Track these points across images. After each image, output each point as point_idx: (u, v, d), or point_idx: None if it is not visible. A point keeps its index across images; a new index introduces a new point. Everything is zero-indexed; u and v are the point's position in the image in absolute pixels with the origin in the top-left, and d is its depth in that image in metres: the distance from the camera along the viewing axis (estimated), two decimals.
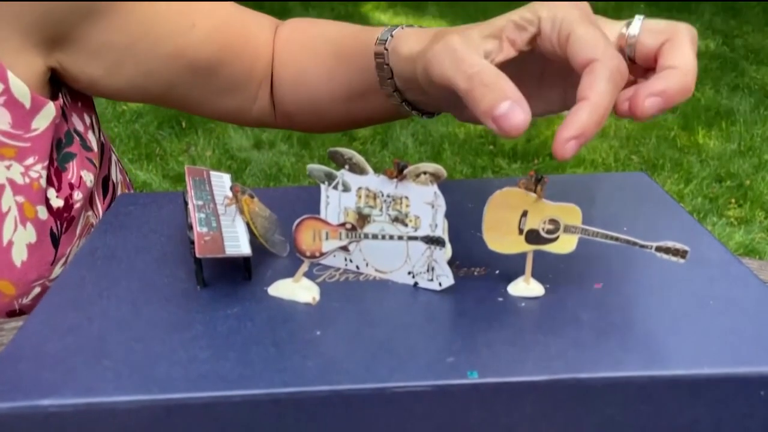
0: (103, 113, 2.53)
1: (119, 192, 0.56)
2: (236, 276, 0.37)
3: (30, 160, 0.46)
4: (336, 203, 0.38)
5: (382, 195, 0.36)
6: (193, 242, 0.36)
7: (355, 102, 0.50)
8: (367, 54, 0.46)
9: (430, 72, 0.36)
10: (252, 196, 0.38)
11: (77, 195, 0.49)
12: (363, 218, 0.37)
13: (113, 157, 0.57)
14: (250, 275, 0.37)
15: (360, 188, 0.37)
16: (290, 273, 0.36)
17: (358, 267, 0.38)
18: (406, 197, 0.35)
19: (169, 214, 0.45)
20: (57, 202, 0.48)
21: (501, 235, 0.35)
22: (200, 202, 0.39)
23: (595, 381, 0.30)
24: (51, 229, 0.48)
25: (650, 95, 0.33)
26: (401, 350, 0.31)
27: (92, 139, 0.51)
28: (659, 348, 0.31)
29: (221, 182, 0.43)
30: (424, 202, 0.35)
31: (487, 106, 0.32)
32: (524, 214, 0.34)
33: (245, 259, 0.37)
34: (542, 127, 2.46)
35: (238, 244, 0.37)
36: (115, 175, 0.56)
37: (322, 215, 0.38)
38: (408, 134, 2.38)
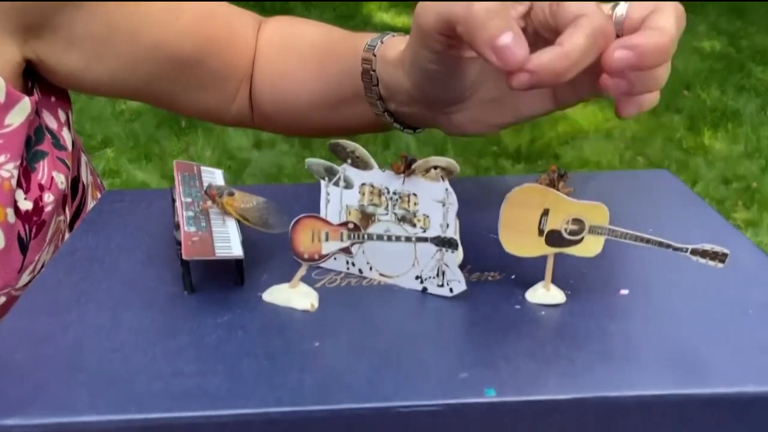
0: (101, 112, 2.50)
1: (89, 195, 0.53)
2: (227, 280, 0.34)
3: (1, 159, 0.43)
4: (337, 201, 0.35)
5: (388, 192, 0.33)
6: (179, 243, 0.33)
7: (336, 108, 0.48)
8: (354, 59, 0.43)
9: (422, 23, 0.33)
10: (231, 194, 0.35)
11: (48, 197, 0.45)
12: (367, 217, 0.34)
13: (83, 158, 0.54)
14: (242, 280, 0.34)
15: (363, 184, 0.34)
16: (286, 277, 0.33)
17: (360, 271, 0.35)
18: (414, 194, 0.32)
19: (157, 211, 0.42)
20: (25, 205, 0.44)
21: (519, 236, 0.31)
22: (189, 200, 0.36)
23: (626, 400, 0.26)
24: (19, 234, 0.44)
25: (621, 47, 0.30)
26: (409, 364, 0.28)
27: (66, 138, 0.48)
28: (695, 362, 0.28)
29: (213, 178, 0.40)
30: (434, 200, 0.32)
31: (489, 34, 0.29)
32: (545, 213, 0.31)
33: (237, 262, 0.34)
34: (546, 128, 2.43)
35: (229, 245, 0.33)
36: (86, 176, 0.53)
37: (322, 214, 0.35)
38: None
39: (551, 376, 0.27)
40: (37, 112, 0.46)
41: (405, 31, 0.42)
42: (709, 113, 2.63)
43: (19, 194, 0.44)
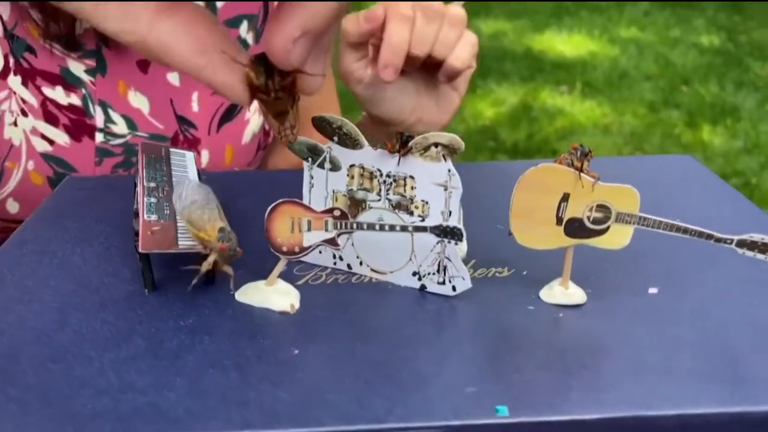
0: None
1: None
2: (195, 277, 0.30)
3: None
4: (322, 185, 0.30)
5: (381, 174, 0.28)
6: (137, 233, 0.28)
7: None
8: None
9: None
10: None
11: None
12: (356, 204, 0.29)
13: None
14: (213, 276, 0.29)
15: (352, 166, 0.29)
16: (263, 273, 0.29)
17: (349, 266, 0.30)
18: (411, 177, 0.28)
19: (120, 200, 0.37)
20: None
21: (533, 225, 0.27)
22: (152, 184, 0.31)
23: (664, 420, 0.22)
24: None
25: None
26: (405, 376, 0.24)
27: None
28: (743, 375, 0.24)
29: (183, 161, 0.35)
30: (435, 183, 0.27)
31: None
32: (565, 198, 0.26)
33: (205, 256, 0.29)
34: (544, 123, 2.39)
35: None
36: None
37: (305, 200, 0.31)
38: None
39: (574, 391, 0.23)
40: None
41: None
42: (707, 109, 2.60)
43: None
